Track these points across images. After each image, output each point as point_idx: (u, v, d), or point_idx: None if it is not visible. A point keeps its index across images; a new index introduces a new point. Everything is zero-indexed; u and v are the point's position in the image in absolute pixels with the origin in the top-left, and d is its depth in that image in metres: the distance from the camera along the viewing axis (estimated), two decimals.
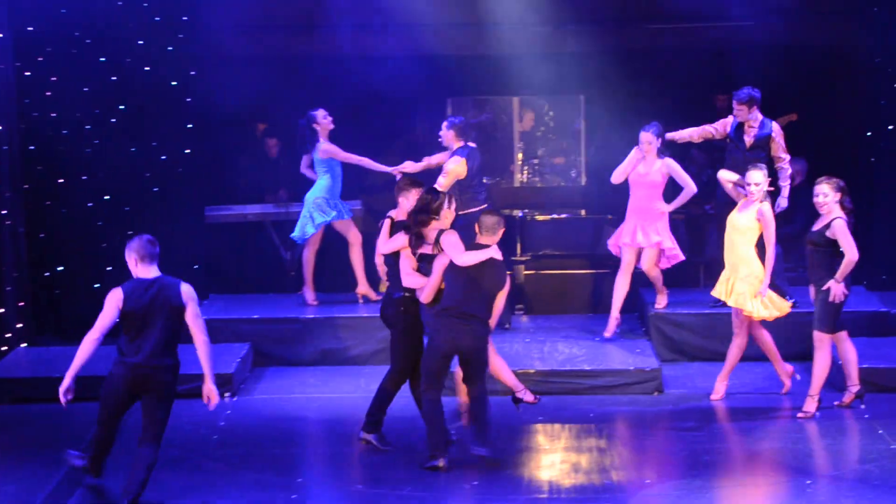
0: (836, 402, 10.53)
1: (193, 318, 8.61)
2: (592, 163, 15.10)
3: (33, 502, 8.75)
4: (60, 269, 13.21)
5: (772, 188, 11.09)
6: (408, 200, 9.89)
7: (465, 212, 12.31)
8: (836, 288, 10.13)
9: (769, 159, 11.74)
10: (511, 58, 14.65)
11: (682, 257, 12.12)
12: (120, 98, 13.33)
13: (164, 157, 13.60)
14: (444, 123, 12.54)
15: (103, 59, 13.14)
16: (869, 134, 13.88)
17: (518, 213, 13.98)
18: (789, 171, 11.91)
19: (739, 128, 11.90)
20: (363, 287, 12.82)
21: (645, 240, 11.86)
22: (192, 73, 13.70)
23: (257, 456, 9.51)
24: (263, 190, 14.60)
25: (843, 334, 10.43)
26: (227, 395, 11.19)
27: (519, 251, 13.85)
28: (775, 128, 11.89)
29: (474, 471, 9.22)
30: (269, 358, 12.32)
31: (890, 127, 13.63)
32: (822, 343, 10.23)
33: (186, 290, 8.65)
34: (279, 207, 14.02)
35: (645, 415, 10.60)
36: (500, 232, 9.33)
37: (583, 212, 14.70)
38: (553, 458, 9.67)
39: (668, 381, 11.33)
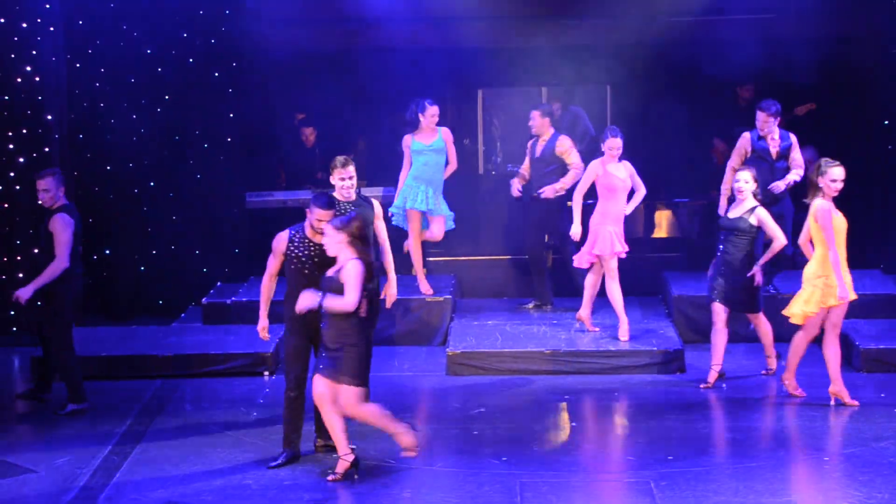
0: (762, 371, 10.98)
1: None
2: None
3: (84, 473, 8.79)
4: (108, 252, 13.31)
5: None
6: (333, 178, 9.80)
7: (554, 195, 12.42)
8: (759, 273, 10.33)
9: (787, 167, 11.61)
10: (539, 49, 14.66)
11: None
12: (165, 88, 13.42)
13: (206, 146, 13.71)
14: (537, 112, 12.50)
15: (149, 51, 13.25)
16: (886, 123, 13.82)
17: None
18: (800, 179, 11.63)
19: (761, 140, 11.65)
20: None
21: (621, 247, 11.44)
22: (234, 64, 13.78)
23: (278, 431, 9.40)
24: (301, 177, 14.65)
25: (762, 314, 10.71)
26: (265, 373, 11.25)
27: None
28: (794, 138, 11.68)
29: (504, 447, 9.25)
30: None
31: None
32: (759, 319, 10.63)
33: None
34: (317, 191, 14.05)
35: (668, 394, 10.59)
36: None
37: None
38: (579, 435, 9.68)
39: (691, 362, 11.31)
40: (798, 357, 10.10)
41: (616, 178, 11.39)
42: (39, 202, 10.13)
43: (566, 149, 12.40)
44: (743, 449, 9.18)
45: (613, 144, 11.39)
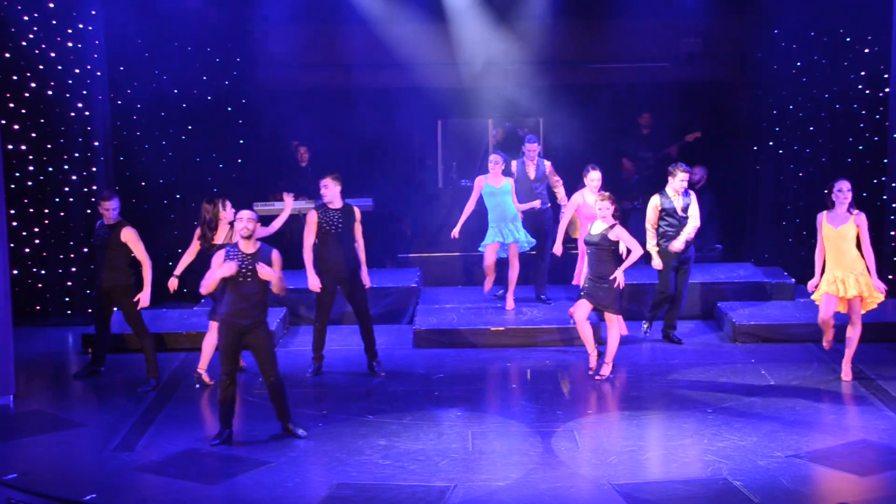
0: (589, 371, 10.07)
1: None
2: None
3: (125, 427, 8.81)
4: None
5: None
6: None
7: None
8: (622, 277, 9.72)
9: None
10: (486, 88, 14.67)
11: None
12: (188, 120, 13.37)
13: (221, 166, 13.64)
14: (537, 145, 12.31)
15: (176, 91, 13.19)
16: (755, 148, 13.94)
17: None
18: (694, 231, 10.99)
19: (667, 199, 10.88)
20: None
21: None
22: (243, 101, 13.75)
23: (293, 395, 9.26)
24: (297, 189, 14.57)
25: (619, 320, 9.98)
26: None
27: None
28: (693, 196, 11.03)
29: (460, 404, 9.30)
30: (302, 319, 12.32)
31: (770, 143, 13.71)
32: (613, 322, 9.85)
33: None
34: (308, 203, 14.00)
35: (587, 362, 10.52)
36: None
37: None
38: (517, 395, 9.71)
39: (605, 336, 11.34)
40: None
41: (587, 206, 10.96)
42: (104, 219, 10.03)
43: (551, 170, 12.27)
44: (646, 404, 9.24)
45: (595, 177, 11.00)
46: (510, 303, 11.98)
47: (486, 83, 14.59)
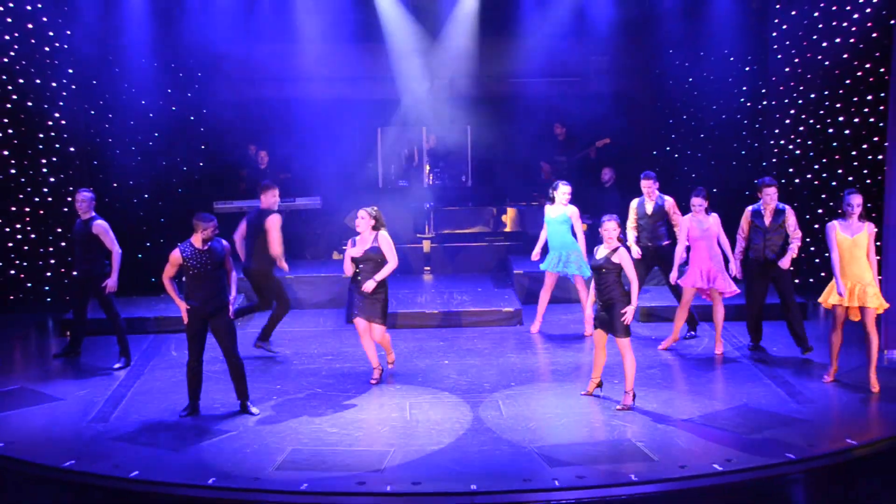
0: (617, 407, 8.51)
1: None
2: (476, 171, 15.21)
3: (99, 402, 8.73)
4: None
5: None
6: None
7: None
8: (631, 314, 8.37)
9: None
10: (420, 100, 14.71)
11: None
12: (155, 128, 13.22)
13: (184, 168, 13.52)
14: (652, 181, 10.59)
15: (144, 102, 13.03)
16: (654, 153, 14.17)
17: (427, 204, 14.04)
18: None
19: (757, 214, 9.85)
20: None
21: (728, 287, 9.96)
22: (205, 111, 13.63)
23: (248, 371, 9.33)
24: (255, 190, 14.48)
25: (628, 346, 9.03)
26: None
27: (426, 230, 13.93)
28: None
29: (398, 378, 9.33)
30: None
31: (667, 148, 13.95)
32: (626, 348, 8.41)
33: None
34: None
35: (510, 340, 10.71)
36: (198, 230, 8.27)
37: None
38: (448, 370, 9.75)
39: (526, 318, 11.43)
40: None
41: (699, 229, 9.89)
42: (79, 210, 9.86)
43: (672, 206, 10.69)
44: (562, 377, 9.33)
45: (696, 202, 9.86)
46: (537, 325, 11.01)
47: (420, 95, 14.63)
